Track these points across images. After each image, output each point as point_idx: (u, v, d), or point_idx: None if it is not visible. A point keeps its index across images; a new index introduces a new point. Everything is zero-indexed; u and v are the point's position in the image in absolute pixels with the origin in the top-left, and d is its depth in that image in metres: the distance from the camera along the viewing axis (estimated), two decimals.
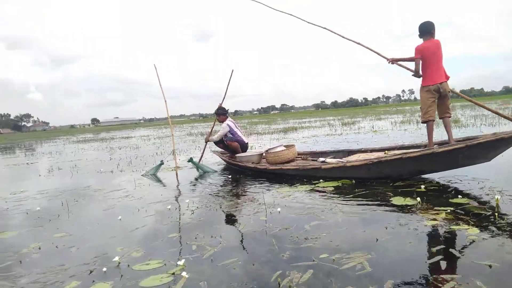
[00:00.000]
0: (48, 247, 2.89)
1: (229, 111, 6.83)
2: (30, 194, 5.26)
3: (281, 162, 5.49)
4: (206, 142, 6.84)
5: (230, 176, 5.37)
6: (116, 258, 2.42)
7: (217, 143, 6.87)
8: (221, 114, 6.70)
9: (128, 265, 2.37)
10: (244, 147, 6.57)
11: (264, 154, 5.98)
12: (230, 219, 3.28)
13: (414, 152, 3.94)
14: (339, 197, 3.66)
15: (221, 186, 4.97)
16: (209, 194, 4.41)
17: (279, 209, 3.34)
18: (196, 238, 2.80)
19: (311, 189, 4.09)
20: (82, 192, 5.21)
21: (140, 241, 2.86)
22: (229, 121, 6.63)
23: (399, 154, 4.05)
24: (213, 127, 7.23)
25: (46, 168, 8.66)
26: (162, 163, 6.45)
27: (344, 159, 4.88)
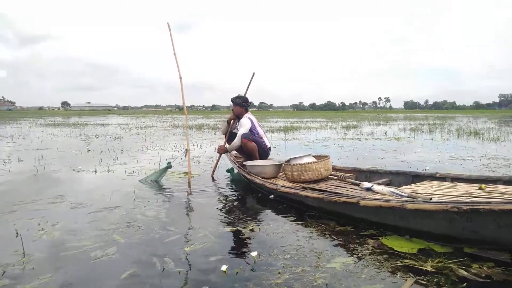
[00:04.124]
0: None
1: (251, 103, 4.96)
2: None
3: (305, 180, 3.74)
4: (220, 154, 4.92)
5: (271, 196, 3.60)
6: None
7: (228, 140, 4.98)
8: (240, 104, 4.79)
9: None
10: (264, 152, 4.69)
11: (283, 166, 4.18)
12: None
13: None
14: None
15: (264, 211, 3.20)
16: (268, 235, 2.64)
17: None
18: None
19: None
20: (51, 207, 3.30)
21: None
22: (250, 115, 4.82)
23: None
24: (228, 130, 5.06)
25: (2, 158, 6.55)
26: (169, 166, 4.58)
27: (406, 189, 2.97)
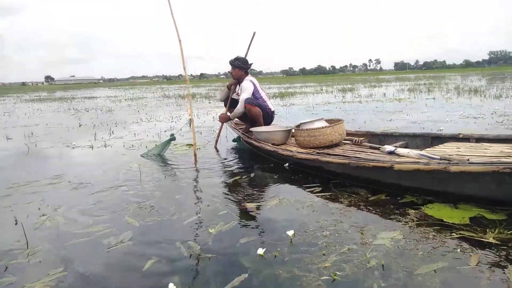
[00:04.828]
0: None
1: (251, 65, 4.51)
2: None
3: (319, 146, 3.51)
4: (222, 123, 4.61)
5: (286, 164, 3.35)
6: None
7: (229, 107, 4.63)
8: (240, 67, 4.41)
9: None
10: (268, 117, 4.42)
11: (293, 131, 3.94)
12: None
13: None
14: None
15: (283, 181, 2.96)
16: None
17: None
18: None
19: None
20: (49, 189, 3.01)
21: None
22: (251, 78, 4.48)
23: None
24: (229, 96, 4.67)
25: None
26: (172, 138, 4.28)
27: (433, 152, 2.76)
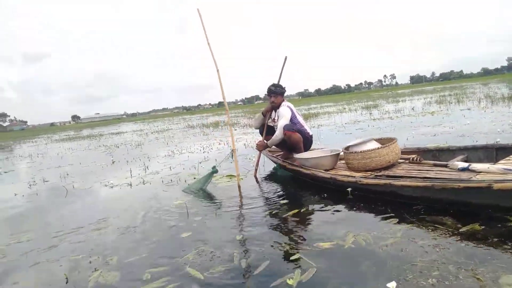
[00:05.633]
0: None
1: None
2: None
3: (375, 168, 3.24)
4: (260, 151, 4.42)
5: (349, 189, 3.04)
6: None
7: (266, 134, 4.45)
8: (277, 93, 4.27)
9: None
10: (307, 141, 4.24)
11: (342, 154, 3.70)
12: None
13: None
14: None
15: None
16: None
17: None
18: None
19: None
20: (95, 236, 2.81)
21: None
22: (288, 104, 4.31)
23: None
24: (265, 123, 4.48)
25: (26, 180, 6.13)
26: (215, 170, 4.06)
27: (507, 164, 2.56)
